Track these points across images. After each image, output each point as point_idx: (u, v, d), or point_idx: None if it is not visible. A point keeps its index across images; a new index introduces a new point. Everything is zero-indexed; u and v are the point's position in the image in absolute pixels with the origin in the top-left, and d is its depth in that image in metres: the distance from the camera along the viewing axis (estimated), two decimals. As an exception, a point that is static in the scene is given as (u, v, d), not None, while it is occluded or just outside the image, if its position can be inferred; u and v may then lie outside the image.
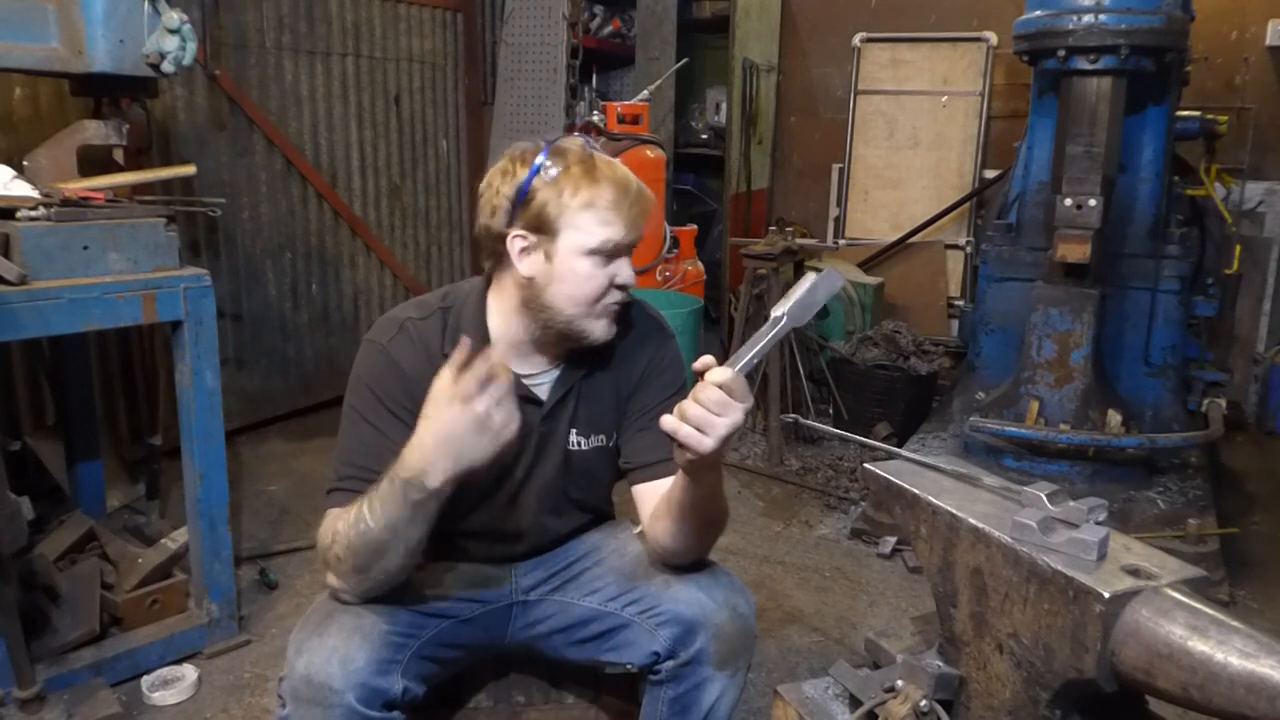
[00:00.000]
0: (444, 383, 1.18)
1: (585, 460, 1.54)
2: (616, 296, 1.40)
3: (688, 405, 1.17)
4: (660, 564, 1.49)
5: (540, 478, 1.52)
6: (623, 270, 1.38)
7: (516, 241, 1.38)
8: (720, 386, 1.16)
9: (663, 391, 1.52)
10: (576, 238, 1.35)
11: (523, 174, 1.36)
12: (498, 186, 1.38)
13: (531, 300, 1.40)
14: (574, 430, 1.52)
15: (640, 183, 1.40)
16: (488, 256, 1.44)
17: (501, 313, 1.45)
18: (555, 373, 1.49)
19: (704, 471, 1.28)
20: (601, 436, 1.54)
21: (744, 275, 3.97)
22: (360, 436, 1.41)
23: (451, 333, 1.45)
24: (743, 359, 1.20)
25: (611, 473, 1.59)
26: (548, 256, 1.37)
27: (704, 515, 1.38)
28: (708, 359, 1.20)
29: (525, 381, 1.47)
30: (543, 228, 1.36)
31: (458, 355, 1.17)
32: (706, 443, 1.17)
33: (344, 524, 1.28)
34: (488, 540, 1.55)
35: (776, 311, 1.24)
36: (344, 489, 1.37)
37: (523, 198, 1.35)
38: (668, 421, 1.19)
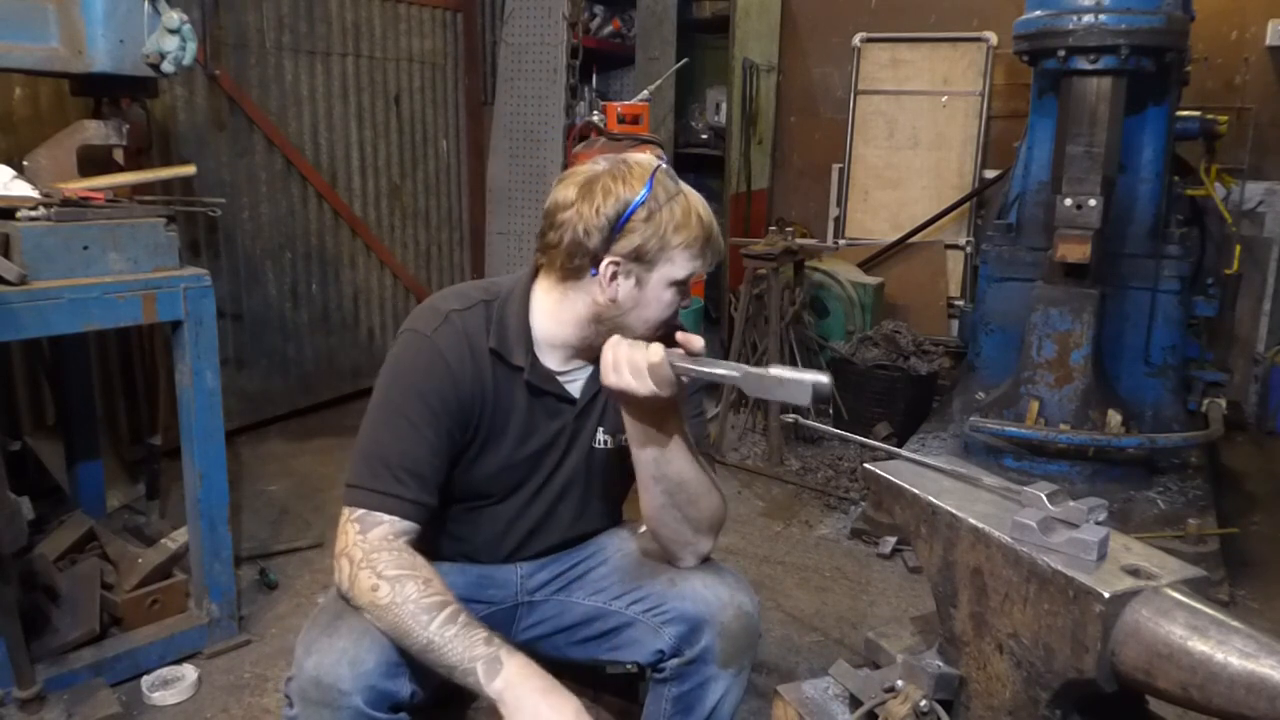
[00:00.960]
0: None
1: (607, 459, 1.55)
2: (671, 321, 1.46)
3: (620, 343, 1.31)
4: (661, 558, 1.50)
5: (565, 474, 1.53)
6: (685, 298, 1.46)
7: (611, 267, 1.39)
8: (648, 361, 1.27)
9: None
10: (670, 270, 1.39)
11: (627, 197, 1.36)
12: (598, 206, 1.37)
13: (609, 318, 1.42)
14: (601, 429, 1.53)
15: None
16: (561, 267, 1.42)
17: (551, 314, 1.45)
18: (589, 370, 1.50)
19: (622, 401, 1.35)
20: (623, 436, 1.54)
21: (744, 275, 3.97)
22: (396, 432, 1.38)
23: (495, 327, 1.44)
24: (694, 368, 1.28)
25: (627, 476, 1.60)
26: (639, 283, 1.39)
27: (663, 473, 1.39)
28: (695, 341, 1.34)
29: (560, 379, 1.48)
30: (641, 258, 1.38)
31: None
32: (607, 377, 1.31)
33: (413, 591, 1.25)
34: (499, 533, 1.54)
35: (772, 370, 1.22)
36: (374, 490, 1.34)
37: (623, 224, 1.37)
38: (613, 338, 1.33)
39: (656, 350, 1.27)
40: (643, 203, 1.36)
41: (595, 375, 1.50)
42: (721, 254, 1.47)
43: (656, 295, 1.40)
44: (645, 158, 1.44)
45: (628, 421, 1.38)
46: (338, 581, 1.33)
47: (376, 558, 1.29)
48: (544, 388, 1.47)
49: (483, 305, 1.46)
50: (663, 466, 1.39)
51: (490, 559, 1.56)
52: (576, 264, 1.40)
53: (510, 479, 1.50)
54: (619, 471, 1.58)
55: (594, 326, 1.44)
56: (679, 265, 1.39)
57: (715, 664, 1.43)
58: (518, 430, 1.47)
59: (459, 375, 1.40)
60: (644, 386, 1.27)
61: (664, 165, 1.43)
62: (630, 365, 1.28)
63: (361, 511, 1.34)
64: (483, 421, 1.44)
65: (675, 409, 1.36)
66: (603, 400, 1.52)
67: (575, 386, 1.50)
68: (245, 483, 3.53)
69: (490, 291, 1.49)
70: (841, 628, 2.64)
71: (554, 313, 1.45)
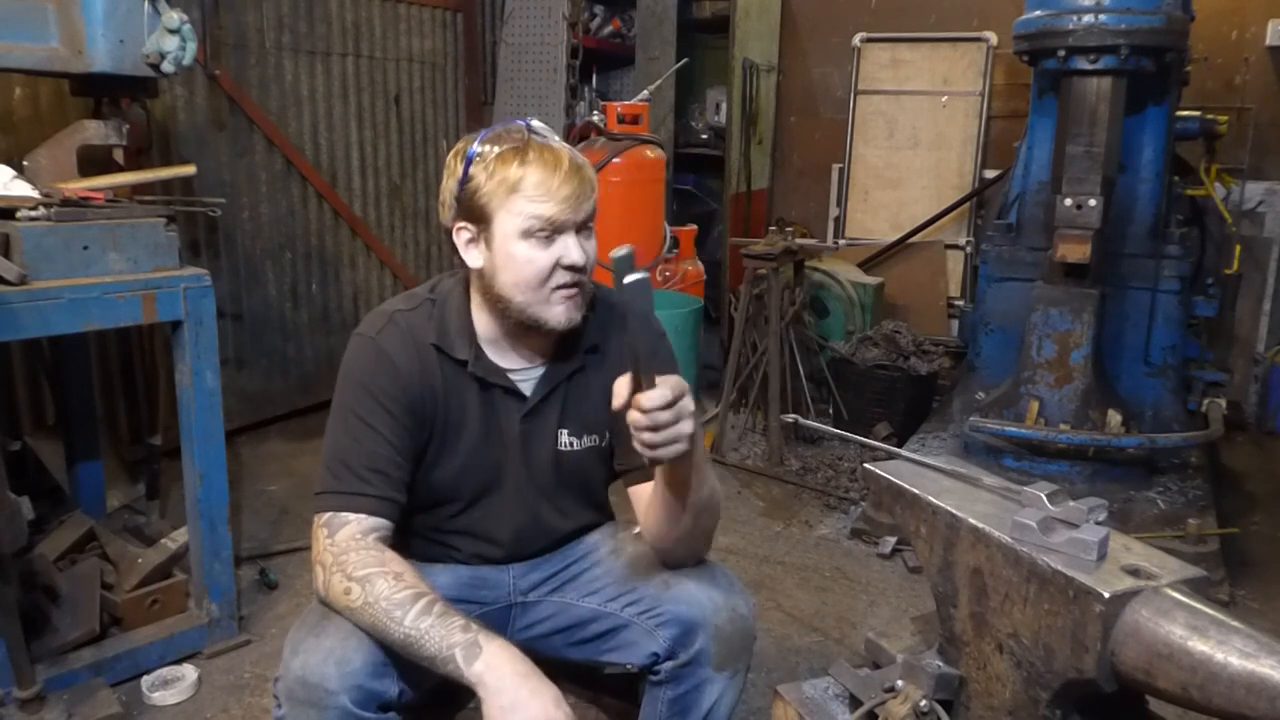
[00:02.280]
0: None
1: (578, 461, 1.54)
2: (565, 278, 1.36)
3: (644, 431, 1.18)
4: (660, 563, 1.49)
5: (531, 477, 1.51)
6: (569, 250, 1.35)
7: (461, 234, 1.40)
8: (669, 403, 1.17)
9: None
10: (509, 222, 1.34)
11: (461, 167, 1.37)
12: (445, 181, 1.40)
13: (486, 292, 1.41)
14: (565, 431, 1.51)
15: (578, 160, 1.36)
16: (453, 253, 1.44)
17: (476, 306, 1.46)
18: (540, 370, 1.49)
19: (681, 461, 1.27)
20: (594, 437, 1.53)
21: (744, 275, 3.97)
22: (352, 434, 1.39)
23: (438, 325, 1.45)
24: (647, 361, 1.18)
25: (606, 473, 1.59)
26: (488, 245, 1.38)
27: (694, 494, 1.35)
28: (620, 387, 1.20)
29: (511, 375, 1.47)
30: (479, 217, 1.37)
31: None
32: (677, 449, 1.19)
33: (384, 587, 1.25)
34: (483, 540, 1.54)
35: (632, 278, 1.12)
36: (335, 490, 1.36)
37: (462, 189, 1.37)
38: (641, 444, 1.19)
39: (620, 389, 1.19)
40: (471, 161, 1.36)
41: (548, 375, 1.49)
42: (582, 193, 1.34)
43: (509, 253, 1.35)
44: (505, 123, 1.41)
45: (672, 484, 1.32)
46: (315, 589, 1.34)
47: (345, 559, 1.29)
48: (490, 380, 1.45)
49: (428, 304, 1.47)
50: (697, 486, 1.35)
51: (479, 561, 1.56)
52: (452, 244, 1.42)
53: (477, 480, 1.49)
54: (596, 471, 1.57)
55: (488, 305, 1.42)
56: (516, 214, 1.33)
57: (710, 667, 1.42)
58: (474, 428, 1.46)
59: (406, 374, 1.40)
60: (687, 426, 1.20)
61: (520, 121, 1.38)
62: (677, 410, 1.17)
63: (328, 515, 1.34)
64: (437, 419, 1.44)
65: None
66: (559, 401, 1.49)
67: (526, 386, 1.48)
68: (245, 483, 3.53)
69: (438, 290, 1.50)
70: (841, 628, 2.64)
71: (477, 302, 1.46)
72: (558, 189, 1.32)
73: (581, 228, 1.37)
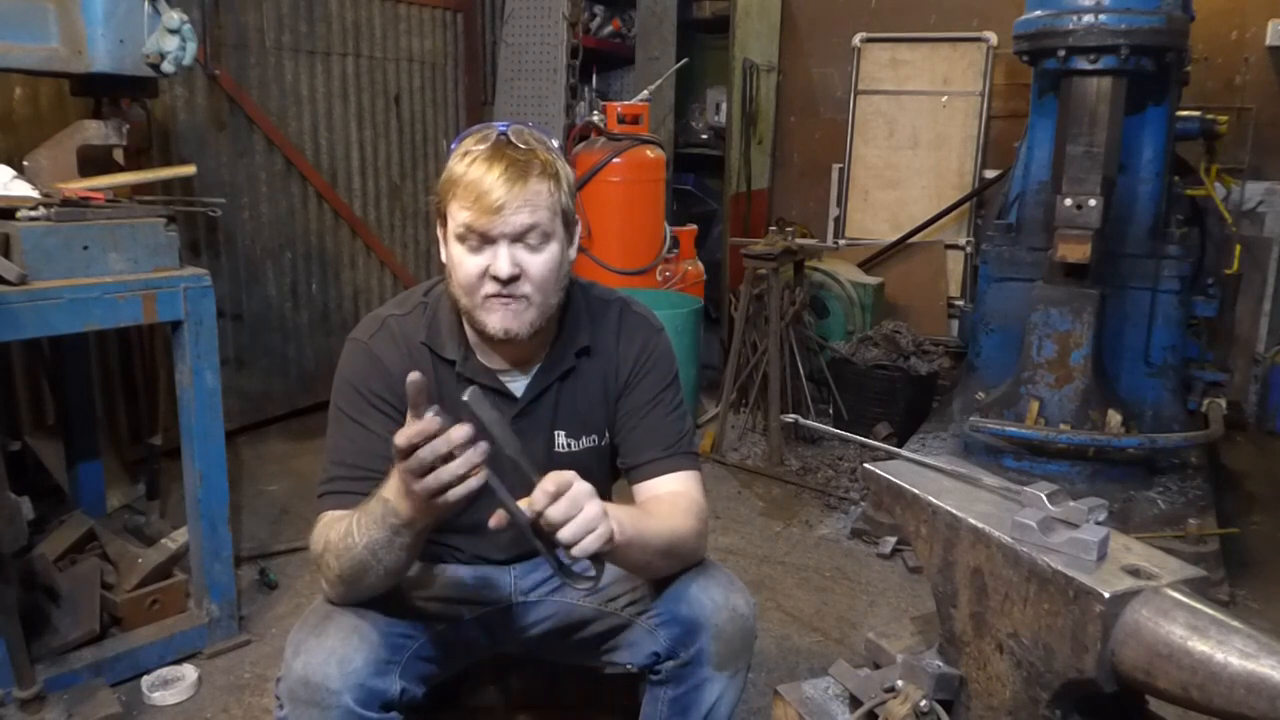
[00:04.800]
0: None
1: (576, 462, 1.52)
2: (492, 288, 1.33)
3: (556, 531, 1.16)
4: None
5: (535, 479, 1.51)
6: (497, 260, 1.31)
7: (439, 231, 1.41)
8: (557, 493, 1.16)
9: (654, 387, 1.52)
10: (451, 225, 1.36)
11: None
12: None
13: (450, 289, 1.42)
14: (562, 432, 1.51)
15: (520, 171, 1.31)
16: None
17: None
18: (532, 370, 1.49)
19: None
20: (594, 437, 1.53)
21: (744, 275, 3.97)
22: (348, 435, 1.41)
23: (429, 325, 1.46)
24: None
25: (608, 473, 1.59)
26: (446, 243, 1.39)
27: (639, 556, 1.36)
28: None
29: (500, 377, 1.48)
30: (441, 215, 1.39)
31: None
32: (600, 533, 1.17)
33: (335, 534, 1.29)
34: (484, 540, 1.54)
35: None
36: (335, 491, 1.38)
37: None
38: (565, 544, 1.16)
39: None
40: (450, 156, 1.38)
41: (539, 376, 1.49)
42: (508, 203, 1.29)
43: (451, 255, 1.37)
44: (479, 127, 1.41)
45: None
46: (322, 589, 1.37)
47: (318, 549, 1.33)
48: (479, 381, 1.44)
49: (422, 306, 1.49)
50: (646, 551, 1.35)
51: (479, 560, 1.56)
52: None
53: None
54: (597, 471, 1.55)
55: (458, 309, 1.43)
56: (454, 218, 1.34)
57: (710, 666, 1.42)
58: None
59: (395, 375, 1.40)
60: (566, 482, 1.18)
61: (500, 125, 1.36)
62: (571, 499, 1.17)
63: (321, 514, 1.37)
64: None
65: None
66: (552, 401, 1.49)
67: (517, 387, 1.49)
68: (245, 483, 3.53)
69: (432, 292, 1.51)
70: (841, 628, 2.64)
71: None
72: (481, 197, 1.29)
73: (518, 239, 1.32)
